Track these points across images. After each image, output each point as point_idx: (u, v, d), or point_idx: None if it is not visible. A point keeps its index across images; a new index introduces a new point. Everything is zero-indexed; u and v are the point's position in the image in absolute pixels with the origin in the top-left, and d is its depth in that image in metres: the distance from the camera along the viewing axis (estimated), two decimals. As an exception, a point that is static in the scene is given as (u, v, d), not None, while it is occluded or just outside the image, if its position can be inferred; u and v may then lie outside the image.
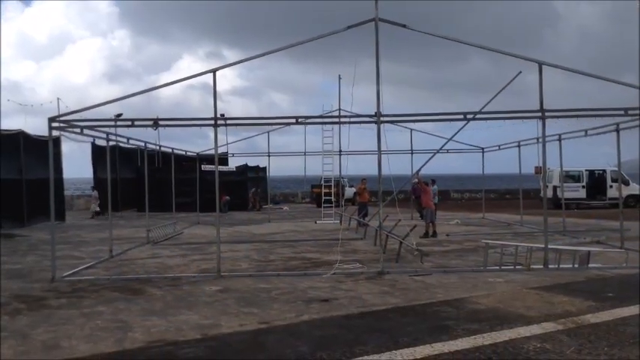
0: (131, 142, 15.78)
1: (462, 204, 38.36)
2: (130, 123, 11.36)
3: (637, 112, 11.36)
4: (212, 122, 10.99)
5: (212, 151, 11.74)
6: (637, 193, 29.93)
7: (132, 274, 10.81)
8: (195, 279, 10.22)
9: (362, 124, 14.54)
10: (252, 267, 11.63)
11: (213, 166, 10.96)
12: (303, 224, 22.97)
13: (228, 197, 29.10)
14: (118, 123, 11.98)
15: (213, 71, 10.86)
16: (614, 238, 14.10)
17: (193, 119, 12.02)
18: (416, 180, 18.38)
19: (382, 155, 10.99)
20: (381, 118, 11.01)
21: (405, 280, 9.75)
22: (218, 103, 10.98)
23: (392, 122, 13.76)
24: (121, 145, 19.07)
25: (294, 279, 10.03)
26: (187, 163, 27.30)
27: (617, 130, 13.33)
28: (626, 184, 28.99)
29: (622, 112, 11.31)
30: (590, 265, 10.51)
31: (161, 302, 8.33)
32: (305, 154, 26.45)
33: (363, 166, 26.51)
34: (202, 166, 27.11)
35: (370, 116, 11.40)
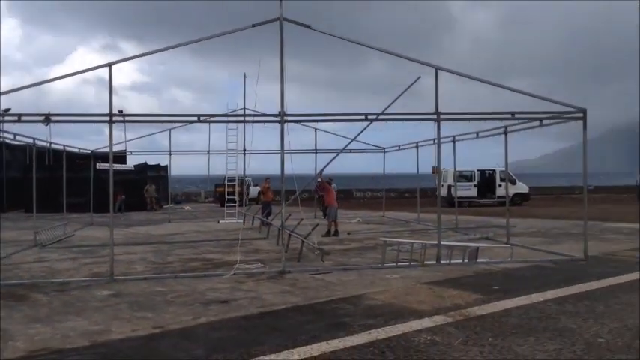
0: (19, 138, 14.75)
1: (364, 203, 39.33)
2: (16, 118, 10.63)
3: (523, 115, 12.18)
4: (107, 118, 10.50)
5: (108, 149, 11.20)
6: (523, 191, 32.11)
7: (16, 280, 10.09)
8: (85, 283, 9.71)
9: (266, 123, 14.52)
10: (148, 269, 11.23)
11: (108, 165, 10.48)
12: (206, 224, 22.55)
13: (123, 197, 28.00)
14: (6, 118, 11.15)
15: (109, 65, 10.38)
16: (501, 234, 15.02)
17: (87, 115, 11.43)
18: (319, 180, 18.60)
19: (286, 154, 11.00)
20: (285, 118, 11.03)
21: (306, 278, 9.82)
22: (115, 98, 10.54)
23: (296, 122, 13.85)
24: (8, 141, 17.76)
25: (192, 281, 9.80)
26: (82, 161, 25.94)
27: (505, 133, 14.23)
28: (513, 183, 31.00)
29: (509, 116, 12.04)
30: (478, 260, 11.11)
31: (47, 308, 7.83)
32: (209, 153, 25.99)
33: (267, 165, 26.46)
34: (97, 164, 25.89)
35: (274, 115, 11.38)
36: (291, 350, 5.65)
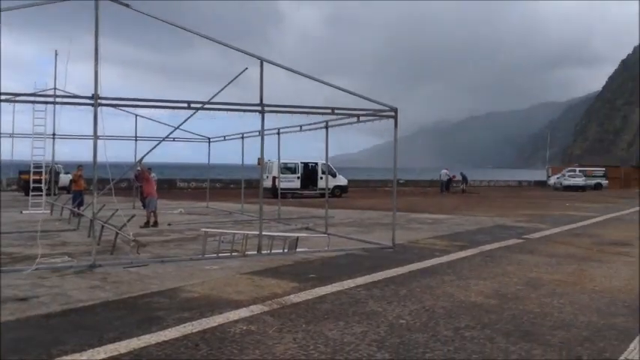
0: None
1: (188, 193, 38.44)
2: None
3: (342, 111, 12.77)
4: None
5: None
6: (342, 184, 33.83)
7: None
8: None
9: (80, 106, 13.39)
10: None
11: None
12: (8, 214, 20.24)
13: None
14: None
15: None
16: (321, 225, 15.65)
17: None
18: (139, 168, 17.70)
19: (100, 140, 10.26)
20: (100, 101, 10.26)
21: (119, 272, 9.27)
22: None
23: (112, 106, 12.94)
24: None
25: (-15, 277, 8.71)
26: None
27: (327, 127, 14.82)
28: (334, 175, 32.52)
29: (330, 111, 12.54)
30: (298, 250, 11.44)
31: None
32: (12, 137, 23.32)
33: (81, 152, 24.49)
34: None
35: (88, 98, 10.53)
36: (97, 349, 5.28)
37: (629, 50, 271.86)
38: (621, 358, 5.34)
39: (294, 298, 7.48)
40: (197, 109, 11.47)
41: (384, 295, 7.79)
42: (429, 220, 19.22)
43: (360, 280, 8.68)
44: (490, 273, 9.58)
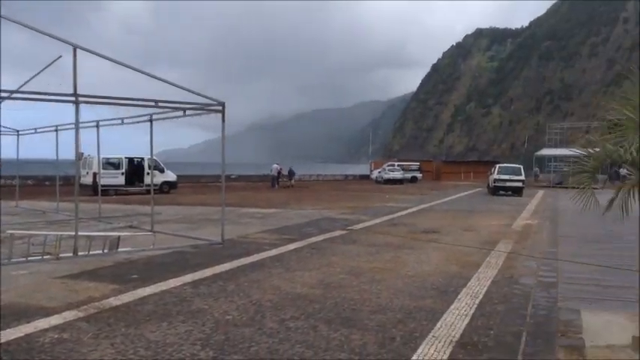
0: None
1: (-5, 192, 34.42)
2: None
3: (167, 105, 12.30)
4: None
5: None
6: (171, 179, 32.78)
7: None
8: None
9: None
10: None
11: None
12: None
13: None
14: None
15: None
16: (147, 222, 14.97)
17: None
18: None
19: None
20: None
21: None
22: None
23: None
24: None
25: None
26: None
27: (151, 120, 14.18)
28: (162, 171, 31.39)
29: (153, 104, 12.01)
30: (120, 250, 10.80)
31: None
32: None
33: None
34: None
35: None
36: None
37: (439, 55, 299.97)
38: (429, 335, 5.83)
39: (114, 301, 7.04)
40: (5, 98, 10.29)
41: (211, 291, 7.66)
42: (259, 214, 19.38)
43: (187, 278, 8.45)
44: (316, 264, 9.91)
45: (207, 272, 8.96)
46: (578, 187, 6.27)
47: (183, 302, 7.05)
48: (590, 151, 5.99)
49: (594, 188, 6.10)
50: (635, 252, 11.48)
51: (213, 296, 7.38)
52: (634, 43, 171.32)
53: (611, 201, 5.93)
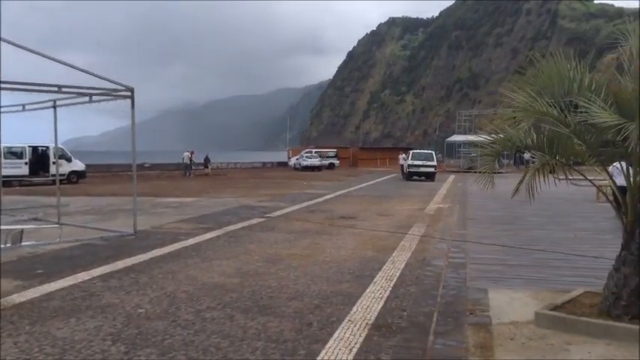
0: None
1: None
2: None
3: (71, 90, 11.68)
4: None
5: None
6: (80, 169, 31.31)
7: None
8: None
9: None
10: None
11: None
12: None
13: None
14: None
15: None
16: (53, 214, 14.21)
17: None
18: None
19: None
20: None
21: None
22: None
23: None
24: None
25: None
26: None
27: (54, 107, 13.41)
28: (69, 160, 29.89)
29: (56, 89, 11.38)
30: (23, 244, 10.18)
31: None
32: None
33: None
34: None
35: None
36: None
37: (354, 43, 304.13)
38: (346, 319, 5.92)
39: (18, 298, 6.64)
40: None
41: (123, 285, 7.39)
42: (174, 203, 18.92)
43: (97, 272, 8.10)
44: (233, 252, 9.81)
45: (119, 265, 8.63)
46: (482, 172, 6.57)
47: (92, 297, 6.76)
48: (495, 136, 6.28)
49: (499, 172, 6.42)
50: (535, 232, 12.24)
51: (124, 289, 7.13)
52: (536, 33, 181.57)
53: (519, 184, 6.26)
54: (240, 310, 6.25)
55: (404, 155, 40.91)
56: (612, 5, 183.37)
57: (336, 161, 56.79)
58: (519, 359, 4.76)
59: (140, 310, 6.20)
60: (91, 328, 5.55)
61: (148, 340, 5.24)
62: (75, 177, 30.14)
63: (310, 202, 19.46)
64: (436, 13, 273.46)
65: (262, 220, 14.52)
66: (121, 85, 11.57)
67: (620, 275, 5.53)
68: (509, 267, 8.70)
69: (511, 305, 6.36)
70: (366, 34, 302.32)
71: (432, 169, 35.59)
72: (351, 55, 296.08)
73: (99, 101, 12.15)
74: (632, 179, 5.61)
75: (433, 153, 38.51)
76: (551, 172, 6.30)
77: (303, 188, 27.05)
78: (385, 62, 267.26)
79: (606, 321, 5.33)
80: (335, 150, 60.82)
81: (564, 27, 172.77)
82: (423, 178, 35.02)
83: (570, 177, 6.62)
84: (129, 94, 11.55)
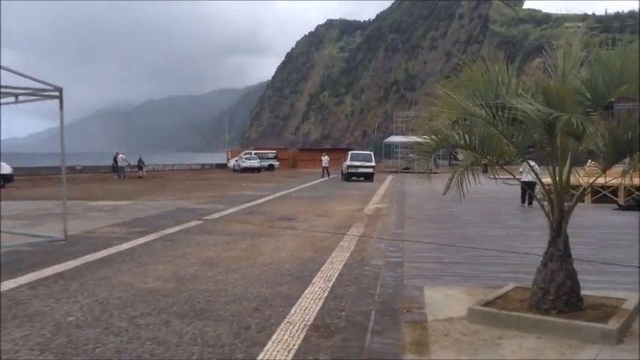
0: None
1: None
2: None
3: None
4: None
5: None
6: (6, 172, 29.84)
7: None
8: None
9: None
10: None
11: None
12: None
13: None
14: None
15: None
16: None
17: None
18: None
19: None
20: None
21: None
22: None
23: None
24: None
25: None
26: None
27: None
28: (-4, 163, 28.46)
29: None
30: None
31: None
32: None
33: None
34: None
35: None
36: None
37: (293, 44, 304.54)
38: (284, 321, 5.90)
39: None
40: None
41: (52, 292, 7.09)
42: (108, 207, 18.32)
43: (23, 279, 7.73)
44: (169, 256, 9.59)
45: (47, 272, 8.27)
46: (419, 173, 6.72)
47: (19, 305, 6.44)
48: (433, 137, 6.42)
49: (435, 172, 6.57)
50: (470, 230, 12.62)
51: (53, 297, 6.83)
52: (469, 37, 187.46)
53: (449, 182, 6.43)
54: (176, 315, 6.11)
55: (327, 157, 42.52)
56: (540, 11, 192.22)
57: (275, 163, 56.60)
58: (453, 355, 4.88)
59: (70, 318, 5.95)
60: (17, 338, 5.29)
61: (78, 348, 5.04)
62: (2, 181, 28.66)
63: (249, 204, 19.30)
64: (372, 16, 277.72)
65: (200, 222, 14.28)
66: (50, 85, 11.10)
67: (548, 271, 5.77)
68: (444, 265, 8.91)
69: (446, 302, 6.52)
70: (305, 35, 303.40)
71: (370, 170, 36.09)
72: (289, 57, 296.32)
73: (25, 102, 11.61)
74: (557, 178, 5.88)
75: (372, 154, 39.03)
76: (484, 172, 6.50)
77: (242, 190, 26.81)
78: (324, 64, 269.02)
79: (535, 315, 5.54)
80: (275, 151, 60.62)
81: (495, 31, 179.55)
82: (361, 178, 35.46)
83: (501, 176, 6.86)
84: (57, 93, 11.09)
